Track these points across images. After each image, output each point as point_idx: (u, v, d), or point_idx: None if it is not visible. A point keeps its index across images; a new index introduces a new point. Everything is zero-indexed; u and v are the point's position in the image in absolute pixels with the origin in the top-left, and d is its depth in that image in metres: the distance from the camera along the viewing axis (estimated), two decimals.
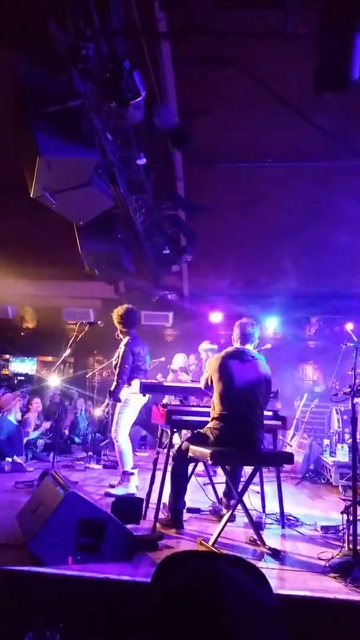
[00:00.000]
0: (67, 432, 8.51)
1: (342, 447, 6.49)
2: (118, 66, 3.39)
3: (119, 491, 4.99)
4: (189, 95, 4.73)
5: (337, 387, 7.39)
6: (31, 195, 4.62)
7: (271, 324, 10.12)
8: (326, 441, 7.31)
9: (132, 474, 5.15)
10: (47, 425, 7.44)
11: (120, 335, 5.55)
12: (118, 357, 5.36)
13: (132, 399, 5.23)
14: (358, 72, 2.83)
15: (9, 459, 6.21)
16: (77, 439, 8.57)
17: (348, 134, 5.13)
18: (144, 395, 5.13)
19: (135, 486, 5.14)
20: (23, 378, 11.26)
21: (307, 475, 6.81)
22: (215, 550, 3.45)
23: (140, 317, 5.70)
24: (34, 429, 7.27)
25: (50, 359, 12.75)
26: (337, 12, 2.71)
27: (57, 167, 4.27)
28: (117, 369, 5.28)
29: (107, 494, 4.93)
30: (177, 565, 1.10)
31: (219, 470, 5.23)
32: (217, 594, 0.81)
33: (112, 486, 5.27)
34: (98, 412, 8.98)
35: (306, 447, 7.04)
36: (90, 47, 3.24)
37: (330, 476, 6.42)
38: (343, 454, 6.37)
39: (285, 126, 5.13)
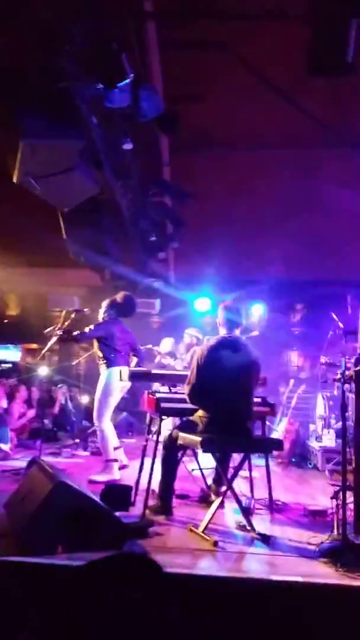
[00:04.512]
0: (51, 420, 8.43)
1: (328, 432, 6.56)
2: (105, 47, 3.31)
3: (103, 477, 5.00)
4: (178, 80, 4.66)
5: (325, 368, 7.41)
6: (14, 181, 4.52)
7: (257, 311, 10.14)
8: (312, 426, 7.38)
9: (115, 461, 5.18)
10: (32, 413, 7.39)
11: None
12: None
13: (112, 385, 5.22)
14: (351, 55, 2.79)
15: None
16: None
17: (337, 121, 5.11)
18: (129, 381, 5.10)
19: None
20: (10, 365, 11.16)
21: (293, 460, 6.88)
22: (205, 536, 3.47)
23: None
24: (19, 417, 7.23)
25: (34, 346, 12.63)
26: None
27: (41, 151, 4.18)
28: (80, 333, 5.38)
29: (91, 481, 4.93)
30: None
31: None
32: None
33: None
34: (85, 399, 8.93)
35: (292, 432, 7.09)
36: (78, 27, 3.15)
37: (317, 461, 6.49)
38: (329, 439, 6.44)
39: (274, 113, 5.09)
